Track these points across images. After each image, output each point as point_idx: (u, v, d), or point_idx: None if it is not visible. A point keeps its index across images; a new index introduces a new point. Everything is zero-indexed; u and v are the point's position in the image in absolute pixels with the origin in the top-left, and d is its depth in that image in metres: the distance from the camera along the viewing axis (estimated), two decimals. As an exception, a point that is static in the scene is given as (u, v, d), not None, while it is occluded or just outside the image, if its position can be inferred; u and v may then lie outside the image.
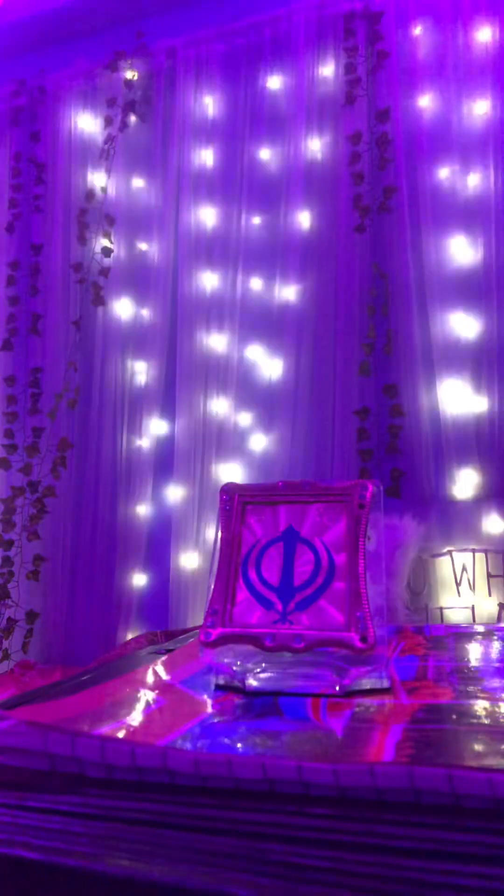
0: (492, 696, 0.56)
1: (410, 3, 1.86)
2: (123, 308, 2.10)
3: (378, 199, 1.81)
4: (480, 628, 0.97)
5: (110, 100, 2.14)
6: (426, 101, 1.83)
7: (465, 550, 1.60)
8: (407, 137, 1.82)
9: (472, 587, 1.56)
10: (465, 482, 1.68)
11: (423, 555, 1.59)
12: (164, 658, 0.77)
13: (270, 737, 0.47)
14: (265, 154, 1.98)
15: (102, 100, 2.17)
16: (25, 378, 2.12)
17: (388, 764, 0.39)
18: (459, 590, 1.57)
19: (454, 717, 0.50)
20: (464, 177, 1.77)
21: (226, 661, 0.65)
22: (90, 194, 2.12)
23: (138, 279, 2.10)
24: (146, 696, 0.61)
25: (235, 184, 2.00)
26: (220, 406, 1.93)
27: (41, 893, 0.41)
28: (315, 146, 1.93)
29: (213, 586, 0.68)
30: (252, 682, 0.61)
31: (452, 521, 1.65)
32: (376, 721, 0.51)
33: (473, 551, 1.59)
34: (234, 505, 0.71)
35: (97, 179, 2.13)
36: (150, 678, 0.68)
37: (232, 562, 0.68)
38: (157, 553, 1.95)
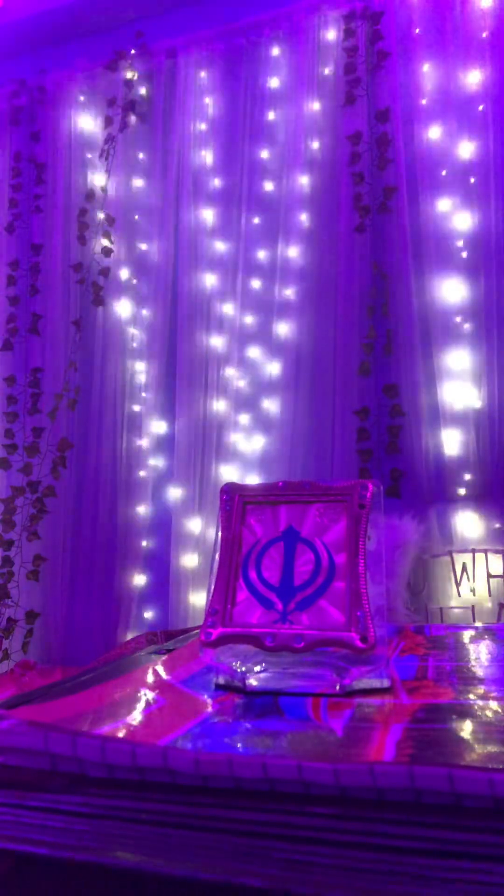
0: (492, 695, 0.56)
1: (411, 3, 1.86)
2: (123, 308, 2.10)
3: (378, 199, 1.81)
4: (480, 628, 0.96)
5: (110, 100, 2.14)
6: (426, 101, 1.83)
7: (465, 550, 1.60)
8: (407, 138, 1.82)
9: (473, 587, 1.56)
10: (465, 482, 1.68)
11: (423, 555, 1.59)
12: (164, 658, 0.77)
13: (271, 736, 0.47)
14: (265, 154, 1.98)
15: (102, 100, 2.17)
16: (25, 378, 2.12)
17: (388, 763, 0.39)
18: (459, 590, 1.57)
19: (454, 716, 0.50)
20: (464, 177, 1.77)
21: (226, 660, 0.65)
22: (90, 194, 2.12)
23: (138, 279, 2.10)
24: (146, 695, 0.61)
25: (235, 184, 2.00)
26: (220, 406, 1.93)
27: (42, 891, 0.41)
28: (315, 146, 1.93)
29: (213, 586, 0.68)
30: (252, 681, 0.61)
31: (452, 521, 1.65)
32: (376, 721, 0.50)
33: (473, 551, 1.59)
34: (235, 505, 0.71)
35: (97, 179, 2.13)
36: (150, 678, 0.68)
37: (232, 562, 0.68)
38: (157, 553, 1.95)
